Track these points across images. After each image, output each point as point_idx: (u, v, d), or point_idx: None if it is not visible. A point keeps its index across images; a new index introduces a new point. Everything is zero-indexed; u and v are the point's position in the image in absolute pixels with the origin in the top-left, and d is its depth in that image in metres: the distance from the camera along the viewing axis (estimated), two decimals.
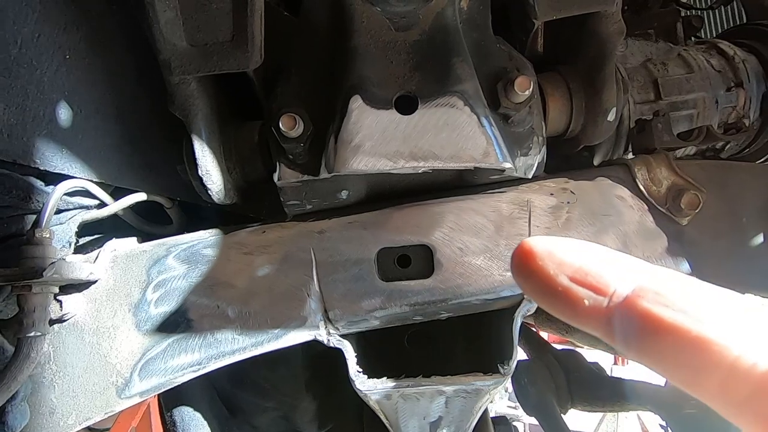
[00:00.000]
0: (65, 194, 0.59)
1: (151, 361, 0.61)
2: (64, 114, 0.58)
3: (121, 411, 0.63)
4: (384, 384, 0.64)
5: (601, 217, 0.63)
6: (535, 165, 0.60)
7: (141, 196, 0.64)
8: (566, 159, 0.74)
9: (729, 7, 1.07)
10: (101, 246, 0.66)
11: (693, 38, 1.01)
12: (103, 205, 0.64)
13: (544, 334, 1.26)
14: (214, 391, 0.95)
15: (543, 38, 0.64)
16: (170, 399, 0.90)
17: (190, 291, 0.62)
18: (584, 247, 0.21)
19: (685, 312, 0.18)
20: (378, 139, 0.52)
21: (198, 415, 0.88)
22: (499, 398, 3.69)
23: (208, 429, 0.88)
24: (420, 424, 0.68)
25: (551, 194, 0.63)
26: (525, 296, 0.63)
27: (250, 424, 1.01)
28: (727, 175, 0.64)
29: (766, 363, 0.16)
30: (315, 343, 0.63)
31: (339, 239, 0.62)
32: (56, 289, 0.56)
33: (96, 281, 0.61)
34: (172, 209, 0.69)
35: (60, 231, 0.61)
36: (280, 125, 0.52)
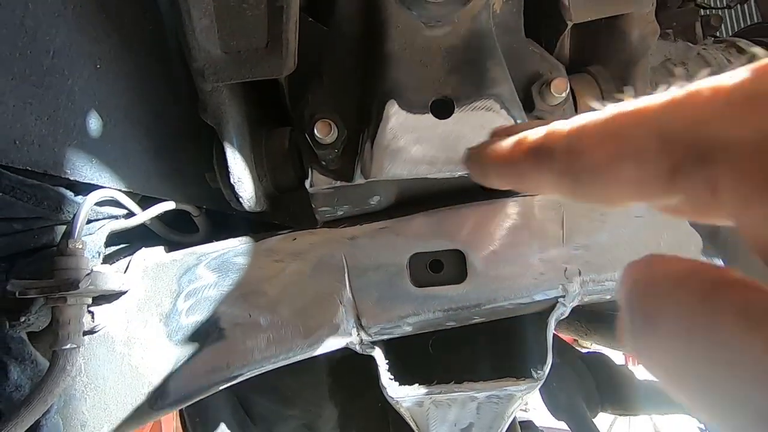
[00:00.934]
0: (95, 204, 0.58)
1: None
2: (94, 123, 0.58)
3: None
4: (416, 391, 0.63)
5: (634, 219, 0.62)
6: None
7: (169, 205, 0.64)
8: None
9: (746, 5, 1.06)
10: (127, 255, 0.66)
11: (712, 37, 1.01)
12: (131, 214, 0.63)
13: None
14: (236, 399, 0.94)
15: (571, 39, 0.64)
16: (193, 407, 0.89)
17: (221, 300, 0.61)
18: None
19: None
20: (415, 144, 0.52)
21: (222, 424, 0.87)
22: None
23: None
24: (451, 430, 0.67)
25: None
26: (558, 299, 0.62)
27: None
28: None
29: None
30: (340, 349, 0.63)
31: (370, 245, 0.61)
32: (90, 301, 0.55)
33: (127, 291, 0.61)
34: (199, 217, 0.68)
35: (90, 241, 0.60)
36: (315, 131, 0.52)
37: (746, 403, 0.14)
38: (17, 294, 0.50)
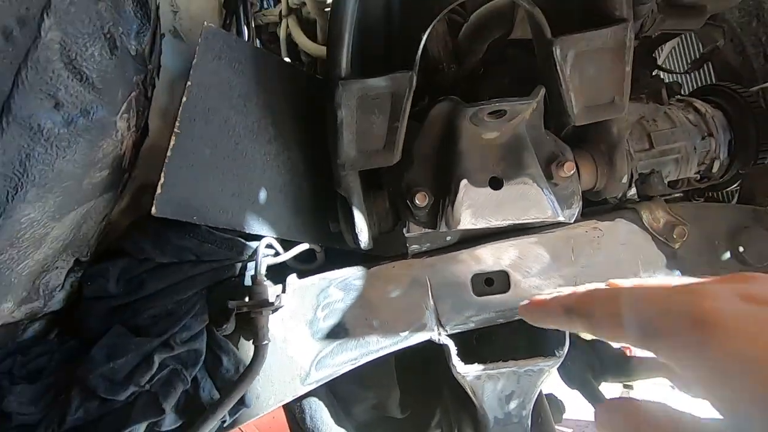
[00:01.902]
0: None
1: (323, 359, 0.90)
2: (262, 196, 0.88)
3: None
4: (476, 368, 0.93)
5: (620, 245, 0.93)
6: (575, 214, 0.90)
7: (304, 246, 0.94)
8: (589, 203, 1.04)
9: (701, 71, 1.38)
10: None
11: (674, 98, 1.32)
12: (278, 253, 0.93)
13: None
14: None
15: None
16: None
17: (346, 310, 0.91)
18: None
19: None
20: (479, 207, 0.82)
21: (321, 402, 1.16)
22: None
23: (329, 414, 1.16)
24: (498, 396, 0.97)
25: (586, 231, 0.93)
26: None
27: (347, 412, 1.28)
28: (704, 213, 0.94)
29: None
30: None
31: (445, 270, 0.91)
32: (270, 312, 0.84)
33: (284, 306, 0.90)
34: (320, 253, 0.98)
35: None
36: (416, 200, 0.82)
37: None
38: (236, 310, 0.79)
